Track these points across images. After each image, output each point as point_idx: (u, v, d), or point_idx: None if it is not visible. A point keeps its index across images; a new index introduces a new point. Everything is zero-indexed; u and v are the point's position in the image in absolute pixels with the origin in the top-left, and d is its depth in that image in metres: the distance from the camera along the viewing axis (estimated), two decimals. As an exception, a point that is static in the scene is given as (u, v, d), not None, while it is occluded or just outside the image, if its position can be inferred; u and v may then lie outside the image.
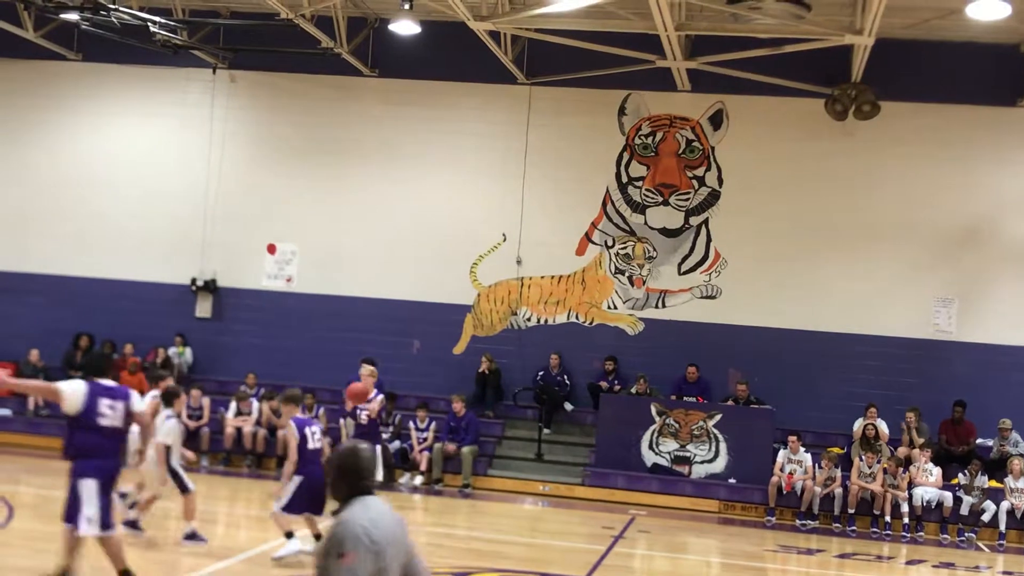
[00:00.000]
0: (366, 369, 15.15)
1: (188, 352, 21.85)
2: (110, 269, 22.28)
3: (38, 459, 18.61)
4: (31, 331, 21.83)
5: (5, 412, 21.02)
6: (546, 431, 20.35)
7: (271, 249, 22.06)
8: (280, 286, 22.04)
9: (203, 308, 22.09)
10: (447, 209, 21.61)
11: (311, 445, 11.92)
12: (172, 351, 21.59)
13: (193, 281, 21.98)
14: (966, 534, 17.97)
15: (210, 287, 21.99)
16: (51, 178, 22.71)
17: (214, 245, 22.12)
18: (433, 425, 19.73)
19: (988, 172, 20.41)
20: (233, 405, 20.05)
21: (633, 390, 20.23)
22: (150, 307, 22.00)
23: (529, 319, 21.43)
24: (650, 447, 19.42)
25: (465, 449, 19.25)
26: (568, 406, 20.75)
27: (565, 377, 20.92)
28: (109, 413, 9.42)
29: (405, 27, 19.58)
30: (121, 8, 18.06)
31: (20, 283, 22.40)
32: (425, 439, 19.65)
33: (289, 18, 18.75)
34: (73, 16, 18.79)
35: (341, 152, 22.02)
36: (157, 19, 19.22)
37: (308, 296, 21.86)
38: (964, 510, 18.13)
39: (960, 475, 18.40)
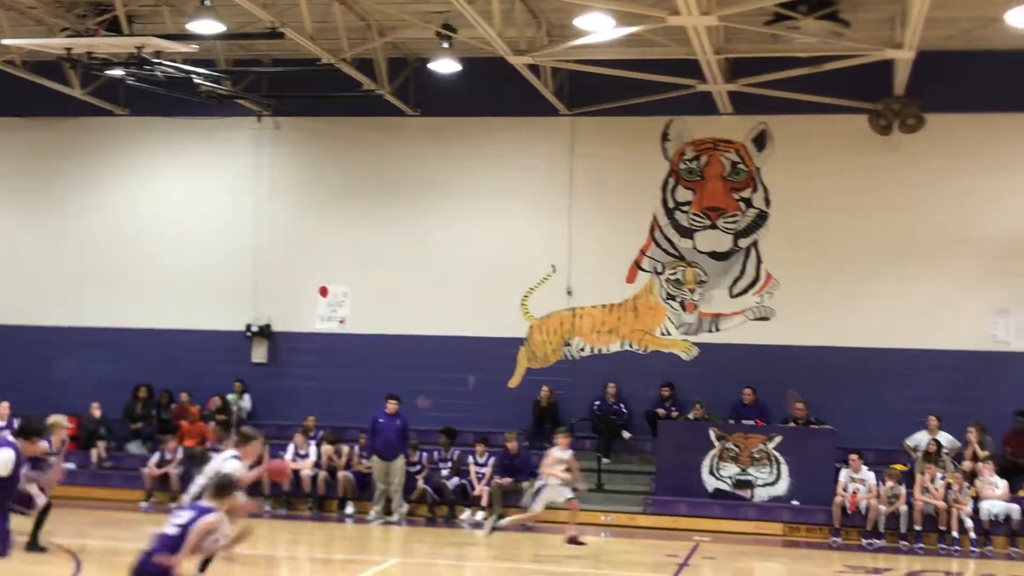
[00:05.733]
0: None
1: (247, 398, 22.02)
2: (165, 319, 22.54)
3: (104, 511, 18.82)
4: (91, 385, 22.06)
5: (69, 465, 21.25)
6: (605, 461, 20.30)
7: (323, 292, 22.25)
8: (334, 328, 22.19)
9: (259, 353, 22.29)
10: (496, 243, 21.70)
11: None
12: (231, 397, 21.78)
13: (248, 327, 22.19)
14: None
15: (265, 332, 22.19)
16: (103, 232, 23.03)
17: (267, 290, 22.32)
18: (492, 460, 19.72)
19: (1038, 179, 20.22)
20: (291, 448, 20.17)
21: (691, 416, 20.15)
22: (206, 355, 22.22)
23: (583, 349, 21.42)
24: (711, 472, 19.31)
25: (526, 484, 19.21)
26: (626, 435, 20.70)
27: (622, 406, 20.87)
28: None
29: (445, 65, 19.73)
30: (165, 62, 18.35)
31: (78, 337, 22.70)
32: (484, 475, 19.65)
33: (330, 63, 18.96)
34: (118, 72, 19.12)
35: (388, 192, 22.19)
36: (200, 71, 19.52)
37: (362, 336, 21.99)
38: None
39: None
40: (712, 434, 19.41)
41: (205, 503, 8.81)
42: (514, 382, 21.55)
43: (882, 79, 19.65)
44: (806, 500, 18.90)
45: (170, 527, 8.57)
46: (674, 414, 20.42)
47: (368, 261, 22.12)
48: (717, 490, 19.22)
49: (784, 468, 19.09)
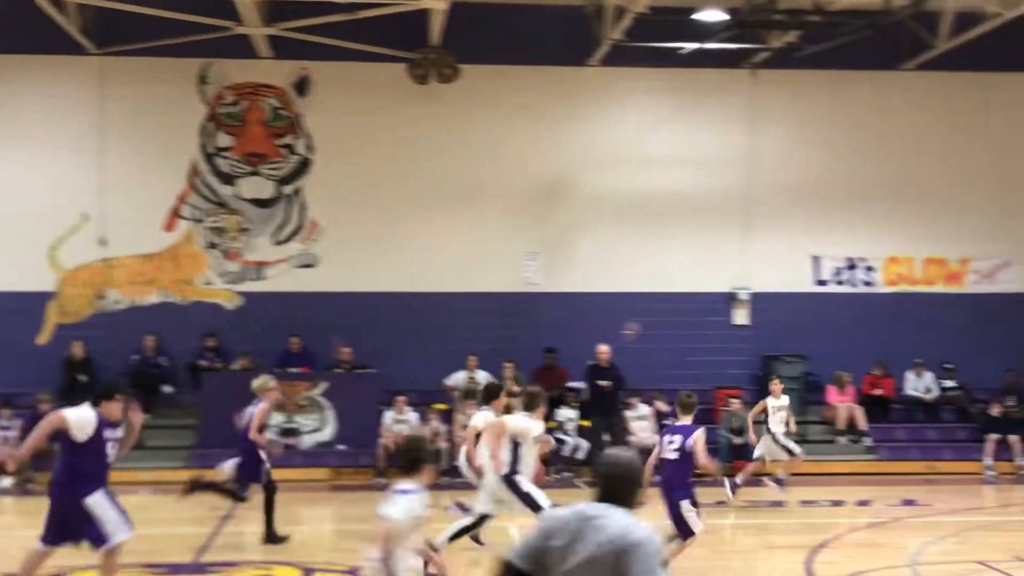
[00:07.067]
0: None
1: None
2: None
3: None
4: None
5: None
6: (145, 416, 19.46)
7: None
8: None
9: None
10: (16, 191, 20.25)
11: None
12: None
13: None
14: (564, 474, 18.94)
15: None
16: None
17: None
18: (20, 422, 18.37)
19: (563, 130, 21.44)
20: None
21: (236, 366, 19.77)
22: None
23: (119, 302, 20.43)
24: (256, 422, 19.03)
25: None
26: (167, 388, 19.97)
27: (162, 359, 20.12)
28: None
29: (-48, -5, 17.93)
30: None
31: None
32: (9, 438, 18.28)
33: None
34: None
35: None
36: None
37: None
38: (566, 452, 19.08)
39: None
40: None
41: (681, 423, 10.85)
42: (42, 339, 20.18)
43: (420, 29, 20.01)
44: (352, 443, 19.12)
45: (670, 453, 10.54)
46: (219, 365, 19.95)
47: None
48: (264, 440, 18.99)
49: (330, 414, 19.22)
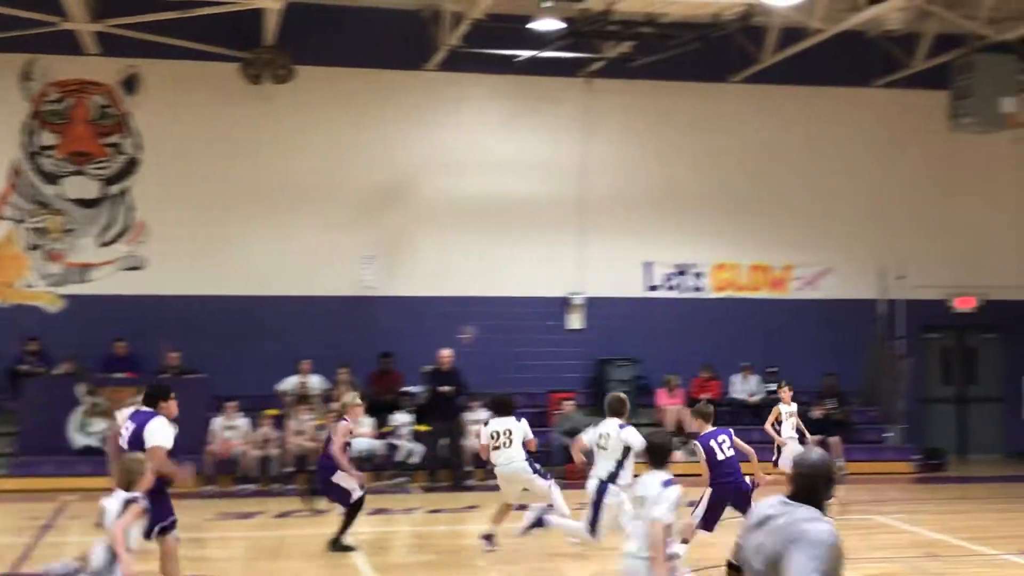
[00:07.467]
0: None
1: None
2: None
3: None
4: None
5: None
6: (-36, 424, 18.75)
7: None
8: None
9: None
10: None
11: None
12: None
13: None
14: (398, 479, 18.89)
15: None
16: None
17: None
18: None
19: (400, 134, 21.39)
20: None
21: (60, 371, 19.13)
22: None
23: (-67, 305, 19.60)
24: (79, 429, 18.51)
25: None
26: (-17, 395, 19.23)
27: (-22, 365, 19.36)
28: None
29: None
30: None
31: None
32: None
33: None
34: None
35: None
36: None
37: None
38: (399, 457, 19.02)
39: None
40: (80, 389, 18.58)
41: (711, 429, 11.47)
42: None
43: (254, 28, 19.72)
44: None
45: (727, 452, 11.37)
46: (40, 370, 19.28)
47: None
48: (86, 447, 18.46)
49: (158, 420, 18.69)
